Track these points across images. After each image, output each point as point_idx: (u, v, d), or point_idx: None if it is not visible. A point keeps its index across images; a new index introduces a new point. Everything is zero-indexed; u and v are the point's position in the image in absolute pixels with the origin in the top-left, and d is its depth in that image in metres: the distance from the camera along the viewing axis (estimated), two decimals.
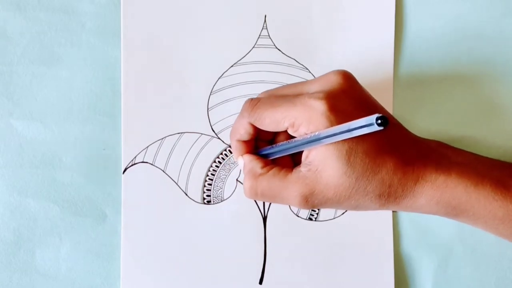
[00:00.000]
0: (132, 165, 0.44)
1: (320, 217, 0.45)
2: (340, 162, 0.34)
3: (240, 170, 0.45)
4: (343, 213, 0.45)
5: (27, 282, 0.44)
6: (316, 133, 0.34)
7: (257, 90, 0.44)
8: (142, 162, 0.44)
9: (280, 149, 0.38)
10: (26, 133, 0.44)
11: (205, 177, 0.45)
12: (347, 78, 0.36)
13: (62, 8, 0.44)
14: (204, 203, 0.45)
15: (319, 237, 0.45)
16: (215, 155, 0.45)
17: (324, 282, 0.45)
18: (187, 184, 0.45)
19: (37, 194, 0.44)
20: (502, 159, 0.44)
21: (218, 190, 0.45)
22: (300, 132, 0.35)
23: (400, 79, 0.45)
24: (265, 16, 0.45)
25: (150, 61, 0.44)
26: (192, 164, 0.45)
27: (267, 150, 0.39)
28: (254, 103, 0.37)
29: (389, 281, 0.45)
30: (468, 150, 0.44)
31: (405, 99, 0.45)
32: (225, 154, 0.45)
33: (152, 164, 0.44)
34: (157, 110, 0.44)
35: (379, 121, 0.30)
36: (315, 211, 0.45)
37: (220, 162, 0.45)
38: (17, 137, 0.44)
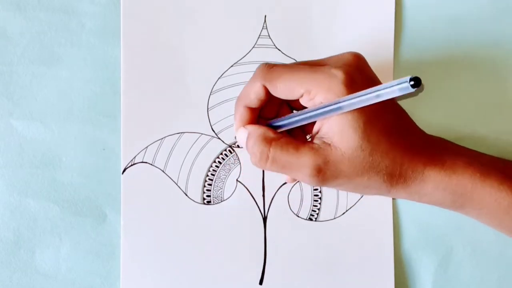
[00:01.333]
0: (131, 165, 0.44)
1: (320, 217, 0.45)
2: (357, 135, 0.34)
3: (240, 170, 0.45)
4: (343, 213, 0.45)
5: (27, 282, 0.44)
6: (336, 100, 0.33)
7: None
8: (142, 162, 0.44)
9: (295, 119, 0.36)
10: (26, 133, 0.44)
11: (205, 177, 0.45)
12: (361, 58, 0.37)
13: (62, 8, 0.44)
14: (204, 203, 0.45)
15: (319, 237, 0.45)
16: (215, 155, 0.45)
17: (324, 282, 0.45)
18: (187, 184, 0.45)
19: (37, 194, 0.44)
20: (503, 156, 0.44)
21: (218, 190, 0.45)
22: (315, 101, 0.35)
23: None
24: (265, 16, 0.45)
25: (150, 61, 0.44)
26: (192, 164, 0.45)
27: (279, 122, 0.38)
28: (270, 66, 0.37)
29: (389, 281, 0.45)
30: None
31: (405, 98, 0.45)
32: (225, 154, 0.45)
33: (151, 164, 0.44)
34: (157, 110, 0.44)
35: (412, 82, 0.28)
36: (315, 211, 0.45)
37: (220, 162, 0.45)
38: (17, 137, 0.44)
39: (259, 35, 0.45)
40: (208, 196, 0.45)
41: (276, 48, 0.45)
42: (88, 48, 0.44)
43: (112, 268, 0.44)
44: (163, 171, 0.44)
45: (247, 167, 0.45)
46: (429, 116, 0.45)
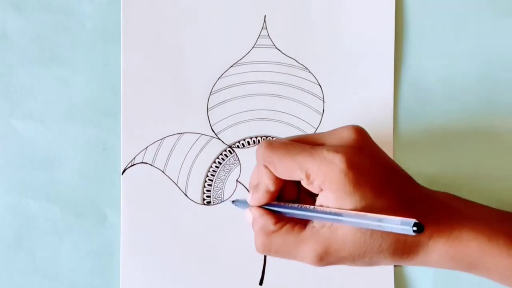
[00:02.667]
0: (131, 165, 0.44)
1: None
2: None
3: (240, 170, 0.45)
4: None
5: (27, 282, 0.44)
6: (338, 212, 0.33)
7: (257, 90, 0.44)
8: (142, 162, 0.44)
9: (294, 212, 0.36)
10: (26, 133, 0.44)
11: (205, 178, 0.45)
12: (361, 134, 0.36)
13: (62, 8, 0.44)
14: (204, 204, 0.45)
15: None
16: (215, 156, 0.45)
17: (324, 283, 0.45)
18: (186, 184, 0.44)
19: (37, 194, 0.44)
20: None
21: (218, 191, 0.45)
22: (314, 185, 0.34)
23: (401, 79, 0.45)
24: (265, 16, 0.45)
25: (150, 61, 0.44)
26: (192, 165, 0.45)
27: (280, 208, 0.37)
28: (269, 146, 0.35)
29: (389, 282, 0.45)
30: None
31: (406, 96, 0.45)
32: (225, 155, 0.45)
33: (151, 165, 0.44)
34: (157, 111, 0.44)
35: (415, 228, 0.30)
36: None
37: (220, 163, 0.45)
38: (17, 137, 0.44)
39: (259, 35, 0.45)
40: (208, 196, 0.45)
41: (276, 48, 0.45)
42: (88, 48, 0.44)
43: (112, 268, 0.44)
44: (163, 172, 0.44)
45: (247, 167, 0.45)
46: (432, 122, 0.45)
